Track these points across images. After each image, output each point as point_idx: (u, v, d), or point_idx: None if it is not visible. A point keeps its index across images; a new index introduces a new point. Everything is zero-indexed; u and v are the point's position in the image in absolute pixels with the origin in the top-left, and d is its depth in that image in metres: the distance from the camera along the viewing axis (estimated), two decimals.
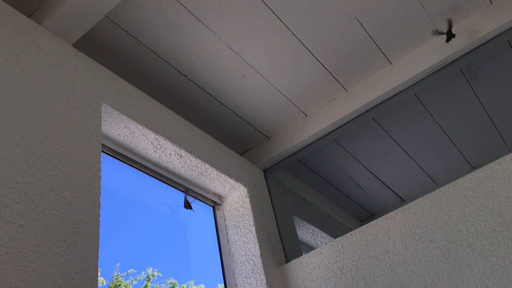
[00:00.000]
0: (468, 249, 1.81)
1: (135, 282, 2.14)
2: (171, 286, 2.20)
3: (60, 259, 1.34)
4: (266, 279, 2.16)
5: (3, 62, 1.54)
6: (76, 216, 1.46)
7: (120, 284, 2.11)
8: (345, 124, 2.59)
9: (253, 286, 2.18)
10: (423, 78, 2.40)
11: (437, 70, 2.37)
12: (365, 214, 3.52)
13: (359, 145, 2.92)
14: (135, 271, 2.11)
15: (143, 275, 2.13)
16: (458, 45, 2.31)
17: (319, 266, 2.18)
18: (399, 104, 2.55)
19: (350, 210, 3.47)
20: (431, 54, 2.36)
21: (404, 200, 3.40)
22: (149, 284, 2.13)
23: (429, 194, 2.01)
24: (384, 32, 2.31)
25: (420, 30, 2.34)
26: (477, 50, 2.32)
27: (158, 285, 2.17)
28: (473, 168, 3.14)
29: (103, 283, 2.07)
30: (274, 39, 2.24)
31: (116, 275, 2.12)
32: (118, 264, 2.08)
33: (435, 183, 3.27)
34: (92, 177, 1.60)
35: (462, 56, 2.34)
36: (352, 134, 2.80)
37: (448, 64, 2.35)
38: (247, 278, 2.22)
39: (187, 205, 2.24)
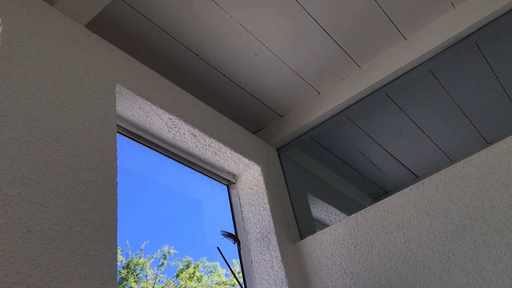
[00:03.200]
0: (483, 224, 1.81)
1: (152, 260, 2.18)
2: (186, 263, 2.24)
3: (80, 237, 1.37)
4: (281, 256, 2.18)
5: (18, 44, 1.55)
6: (94, 195, 1.49)
7: (138, 262, 2.16)
8: (358, 101, 2.58)
9: (268, 262, 2.21)
10: (438, 53, 2.36)
11: (452, 45, 2.33)
12: (379, 192, 3.52)
13: (372, 122, 2.91)
14: (145, 242, 2.15)
15: (159, 253, 2.18)
16: (473, 19, 2.26)
17: (333, 242, 2.19)
18: (413, 80, 2.52)
19: (364, 188, 3.47)
20: (446, 28, 2.32)
21: (418, 177, 3.39)
22: (165, 261, 2.17)
23: (444, 170, 2.01)
24: (398, 6, 2.27)
25: (435, 4, 2.30)
26: (493, 24, 2.27)
27: (174, 263, 2.21)
28: (489, 143, 3.11)
29: (122, 261, 2.11)
30: (286, 16, 2.22)
31: (135, 253, 2.16)
32: (147, 241, 2.13)
33: (450, 160, 3.25)
34: (108, 157, 1.63)
35: (478, 30, 2.30)
36: (366, 111, 2.78)
37: (463, 38, 2.31)
38: (262, 255, 2.24)
39: (231, 236, 2.14)
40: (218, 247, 1.96)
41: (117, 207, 1.55)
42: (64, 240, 1.33)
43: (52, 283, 1.23)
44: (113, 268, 1.41)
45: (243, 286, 2.03)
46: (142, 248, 2.16)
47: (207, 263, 2.32)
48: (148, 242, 2.13)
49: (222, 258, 1.96)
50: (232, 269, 2.00)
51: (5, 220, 1.22)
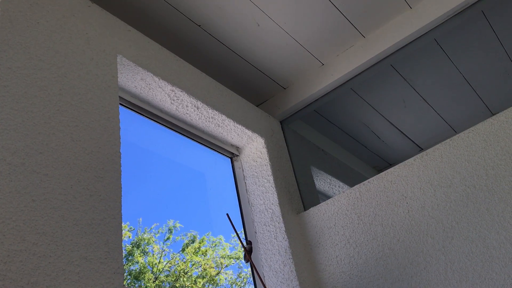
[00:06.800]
0: (487, 193, 1.81)
1: (158, 234, 2.19)
2: (192, 238, 2.26)
3: (84, 207, 1.38)
4: (285, 227, 2.20)
5: (17, 13, 1.54)
6: (98, 165, 1.49)
7: (143, 237, 2.18)
8: (362, 72, 2.55)
9: (272, 233, 2.22)
10: (444, 22, 2.32)
11: (458, 13, 2.29)
12: (383, 164, 3.51)
13: (376, 93, 2.88)
14: (158, 224, 2.16)
15: (164, 227, 2.19)
16: None
17: (337, 213, 2.20)
18: (418, 50, 2.49)
19: (368, 160, 3.47)
20: None
21: (422, 149, 3.38)
22: (171, 236, 2.19)
23: (448, 140, 2.00)
24: None
25: None
26: None
27: (179, 237, 2.22)
28: (494, 115, 3.09)
29: (129, 237, 2.13)
30: None
31: (139, 228, 2.18)
32: (156, 224, 2.14)
33: (455, 131, 3.24)
34: (111, 128, 1.62)
35: None
36: (370, 82, 2.75)
37: (469, 6, 2.27)
38: (266, 226, 2.26)
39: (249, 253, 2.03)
40: (227, 214, 1.96)
41: (121, 178, 1.55)
42: (68, 210, 1.34)
43: (57, 251, 1.24)
44: (119, 237, 1.42)
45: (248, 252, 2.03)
46: (152, 227, 2.18)
47: (212, 238, 2.33)
48: (141, 218, 2.14)
49: (230, 224, 1.95)
50: (239, 236, 2.00)
51: (10, 189, 1.23)
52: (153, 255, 2.19)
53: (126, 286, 1.93)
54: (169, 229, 2.21)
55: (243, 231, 2.36)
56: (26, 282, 1.14)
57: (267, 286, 2.13)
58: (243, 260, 2.09)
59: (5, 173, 1.24)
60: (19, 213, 1.22)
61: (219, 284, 2.25)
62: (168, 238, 2.20)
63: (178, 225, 2.21)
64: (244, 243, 2.07)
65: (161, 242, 2.20)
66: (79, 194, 1.39)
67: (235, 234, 2.00)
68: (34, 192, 1.28)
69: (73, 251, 1.28)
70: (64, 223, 1.31)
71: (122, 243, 1.44)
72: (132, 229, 2.06)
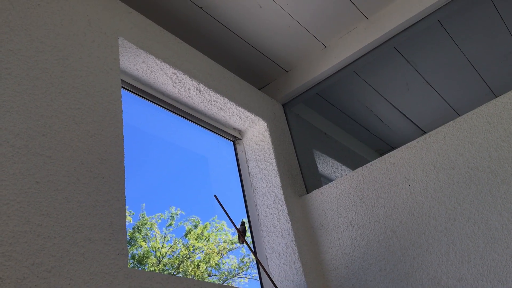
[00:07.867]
0: (490, 175, 1.81)
1: (160, 221, 2.20)
2: (194, 223, 2.26)
3: (88, 189, 1.39)
4: (287, 209, 2.20)
5: None
6: (101, 148, 1.49)
7: (146, 223, 2.18)
8: (365, 54, 2.53)
9: (274, 216, 2.23)
10: (448, 3, 2.30)
11: None
12: (386, 147, 3.51)
13: (379, 76, 2.86)
14: (162, 214, 2.17)
15: (166, 214, 2.20)
16: None
17: (339, 195, 2.21)
18: (421, 31, 2.46)
19: (371, 144, 3.46)
20: None
21: (425, 132, 3.37)
22: (173, 222, 2.19)
23: (451, 122, 1.99)
24: None
25: None
26: None
27: (182, 223, 2.23)
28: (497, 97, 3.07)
29: (130, 221, 2.14)
30: None
31: (142, 215, 2.19)
32: (160, 214, 2.13)
33: (458, 114, 3.22)
34: (114, 110, 1.62)
35: None
36: (373, 65, 2.73)
37: None
38: (269, 208, 2.27)
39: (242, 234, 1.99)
40: (215, 195, 1.95)
41: (124, 160, 1.55)
42: (72, 192, 1.34)
43: (62, 232, 1.25)
44: (122, 219, 1.43)
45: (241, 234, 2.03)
46: (155, 216, 2.18)
47: (216, 223, 2.34)
48: (162, 214, 2.15)
49: (220, 205, 1.94)
50: (230, 217, 1.99)
51: (13, 171, 1.23)
52: (156, 240, 2.20)
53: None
54: (171, 216, 2.21)
55: (246, 214, 2.37)
56: (31, 263, 1.15)
57: (265, 267, 2.14)
58: (245, 245, 2.08)
59: (8, 155, 1.24)
60: (23, 194, 1.22)
61: (222, 268, 2.27)
62: (170, 224, 2.21)
63: (179, 211, 2.21)
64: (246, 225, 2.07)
65: (163, 228, 2.21)
66: (83, 176, 1.39)
67: (226, 215, 1.99)
68: (38, 174, 1.29)
69: (77, 233, 1.29)
70: (68, 204, 1.31)
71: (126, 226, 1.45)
72: (132, 213, 2.07)
